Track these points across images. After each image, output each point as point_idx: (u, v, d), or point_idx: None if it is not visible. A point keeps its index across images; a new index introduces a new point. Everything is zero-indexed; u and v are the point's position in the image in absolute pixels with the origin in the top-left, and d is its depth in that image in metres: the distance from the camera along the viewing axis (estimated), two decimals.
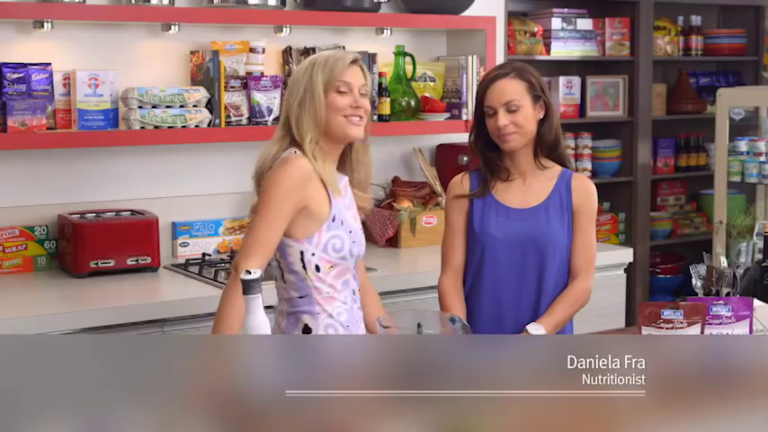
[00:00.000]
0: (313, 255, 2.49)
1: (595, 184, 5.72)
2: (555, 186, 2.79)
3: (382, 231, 4.11)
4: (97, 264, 3.48)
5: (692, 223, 5.64)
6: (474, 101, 2.91)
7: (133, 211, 3.69)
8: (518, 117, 2.72)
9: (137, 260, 3.55)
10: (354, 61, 2.54)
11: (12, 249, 3.57)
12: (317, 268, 2.49)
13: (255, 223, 2.45)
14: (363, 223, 4.12)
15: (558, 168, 2.83)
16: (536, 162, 2.80)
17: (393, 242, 4.11)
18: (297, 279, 2.51)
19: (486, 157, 2.82)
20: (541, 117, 2.77)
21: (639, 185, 5.31)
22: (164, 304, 3.21)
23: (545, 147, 2.81)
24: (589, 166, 5.21)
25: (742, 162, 4.76)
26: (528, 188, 2.80)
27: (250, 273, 2.13)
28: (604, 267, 4.00)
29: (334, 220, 2.50)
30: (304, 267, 2.49)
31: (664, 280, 5.48)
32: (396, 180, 4.33)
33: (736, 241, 4.72)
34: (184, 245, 3.86)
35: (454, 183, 2.89)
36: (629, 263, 4.22)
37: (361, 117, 2.51)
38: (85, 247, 3.47)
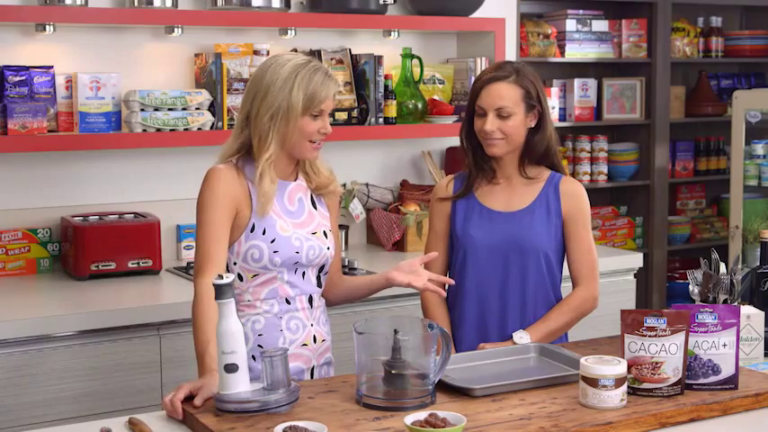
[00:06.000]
0: (235, 264, 2.49)
1: (612, 188, 5.65)
2: (542, 190, 2.72)
3: (389, 235, 4.07)
4: (98, 266, 3.48)
5: (712, 228, 5.55)
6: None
7: (136, 214, 3.68)
8: (507, 124, 2.64)
9: (138, 263, 3.54)
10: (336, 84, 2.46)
11: (15, 252, 3.58)
12: (240, 277, 2.49)
13: (197, 238, 2.45)
14: (370, 226, 4.15)
15: (546, 172, 2.75)
16: (520, 170, 2.73)
17: (400, 246, 4.07)
18: None
19: (474, 154, 2.74)
20: (533, 125, 2.69)
21: (657, 189, 5.23)
22: (161, 307, 3.19)
23: (533, 157, 2.72)
24: (605, 170, 5.14)
25: (758, 166, 4.68)
26: (513, 191, 2.73)
27: (222, 277, 2.11)
28: (613, 272, 3.93)
29: (253, 230, 2.45)
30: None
31: (683, 285, 5.39)
32: (404, 183, 4.30)
33: (753, 246, 4.63)
34: (189, 248, 3.85)
35: (439, 186, 2.83)
36: (641, 268, 4.13)
37: (321, 141, 2.48)
38: (86, 249, 3.46)
